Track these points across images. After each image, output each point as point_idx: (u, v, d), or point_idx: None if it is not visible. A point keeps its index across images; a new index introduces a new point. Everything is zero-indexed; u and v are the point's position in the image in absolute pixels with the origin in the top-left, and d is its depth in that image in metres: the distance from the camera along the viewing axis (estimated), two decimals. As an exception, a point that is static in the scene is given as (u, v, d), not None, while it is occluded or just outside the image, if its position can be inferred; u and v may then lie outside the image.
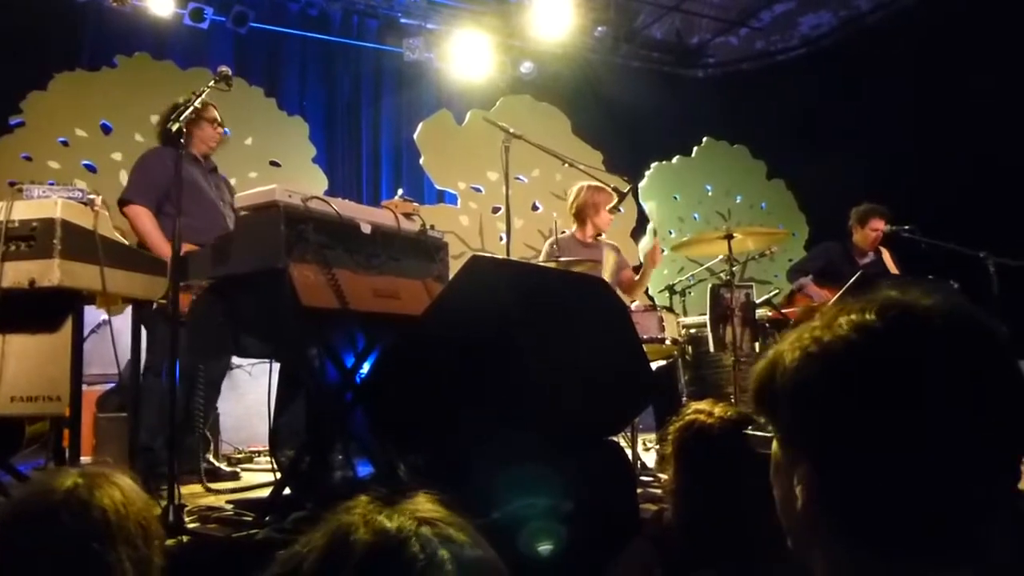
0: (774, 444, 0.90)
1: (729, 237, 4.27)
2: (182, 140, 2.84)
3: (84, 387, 3.03)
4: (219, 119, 4.14)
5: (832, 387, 0.79)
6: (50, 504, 1.20)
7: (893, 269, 5.58)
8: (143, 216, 3.74)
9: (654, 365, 4.26)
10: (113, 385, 4.66)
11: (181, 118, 2.82)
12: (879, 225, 5.51)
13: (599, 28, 8.08)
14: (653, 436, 4.73)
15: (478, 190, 7.15)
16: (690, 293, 5.35)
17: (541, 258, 4.74)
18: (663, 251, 5.15)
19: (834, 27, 8.56)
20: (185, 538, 2.43)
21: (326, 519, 0.75)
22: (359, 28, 7.50)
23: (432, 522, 0.73)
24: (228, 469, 4.14)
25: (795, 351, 0.83)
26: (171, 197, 3.74)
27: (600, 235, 4.84)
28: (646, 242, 7.58)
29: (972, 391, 0.75)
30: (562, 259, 4.20)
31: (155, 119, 5.66)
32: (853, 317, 0.80)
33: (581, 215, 4.72)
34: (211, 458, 4.05)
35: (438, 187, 7.15)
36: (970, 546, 0.76)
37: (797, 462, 0.84)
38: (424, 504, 0.75)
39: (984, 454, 0.75)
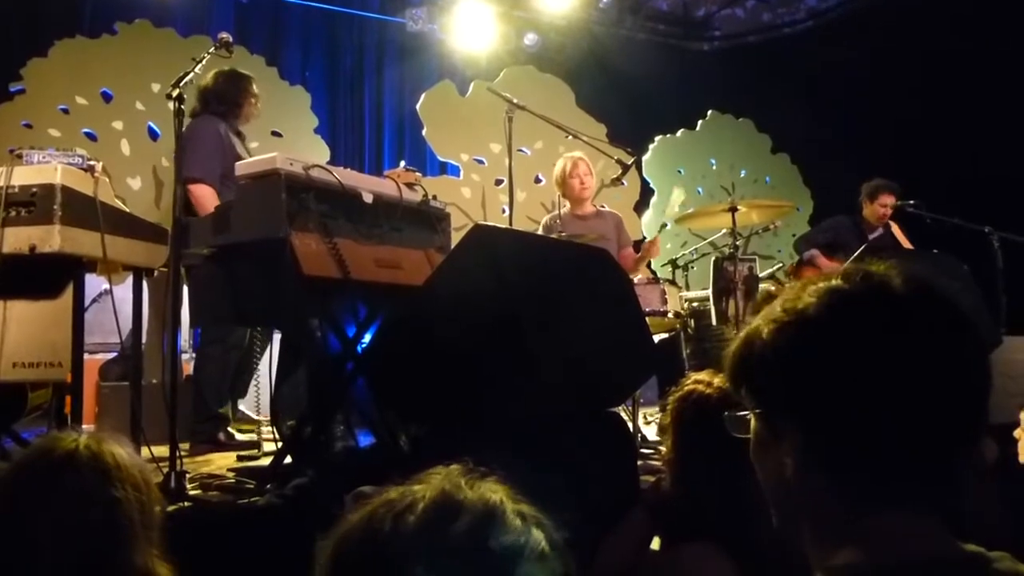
0: (752, 423, 0.92)
1: (733, 210, 4.25)
2: (182, 106, 2.82)
3: (86, 355, 3.03)
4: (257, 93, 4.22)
5: (807, 347, 0.83)
6: (68, 448, 1.34)
7: (905, 243, 5.57)
8: (208, 195, 3.72)
9: (656, 338, 4.25)
10: (115, 354, 4.67)
11: (182, 84, 2.80)
12: (888, 200, 5.50)
13: (604, -1, 7.99)
14: (654, 409, 4.74)
15: (481, 162, 7.11)
16: (693, 267, 5.33)
17: (540, 231, 4.72)
18: (666, 225, 5.14)
19: (841, 0, 8.45)
20: (187, 504, 2.45)
21: (421, 476, 0.81)
22: (362, -3, 7.43)
23: (524, 503, 0.80)
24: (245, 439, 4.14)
25: (769, 324, 0.86)
26: (229, 171, 3.80)
27: (602, 206, 4.82)
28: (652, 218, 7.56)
29: (931, 346, 0.81)
30: (564, 234, 4.19)
31: (156, 87, 5.70)
32: (820, 285, 0.86)
33: (565, 189, 4.68)
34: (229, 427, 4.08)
35: (440, 158, 7.11)
36: (940, 488, 0.82)
37: (782, 430, 0.87)
38: (507, 489, 0.81)
39: (947, 406, 0.80)
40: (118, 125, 5.74)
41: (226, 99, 4.04)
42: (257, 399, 4.64)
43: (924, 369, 0.80)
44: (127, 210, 3.06)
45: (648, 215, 7.67)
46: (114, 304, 2.97)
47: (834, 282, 0.85)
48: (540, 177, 7.26)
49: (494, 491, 0.78)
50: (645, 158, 7.74)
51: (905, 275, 0.85)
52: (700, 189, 8.11)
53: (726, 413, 0.96)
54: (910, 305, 0.83)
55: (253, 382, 4.37)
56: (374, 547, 0.75)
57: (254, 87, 4.17)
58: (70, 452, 1.33)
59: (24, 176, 2.65)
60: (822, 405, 0.82)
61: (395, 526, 0.75)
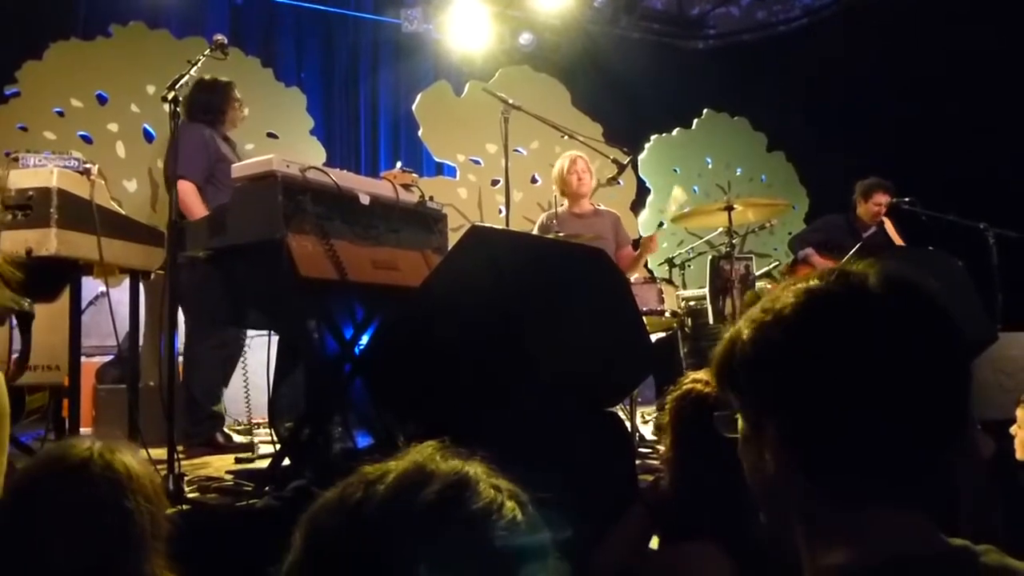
0: (739, 422, 0.93)
1: (729, 208, 4.26)
2: (177, 108, 2.82)
3: (83, 358, 3.03)
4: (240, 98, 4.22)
5: (784, 346, 0.84)
6: (82, 457, 1.34)
7: (897, 239, 5.57)
8: (190, 192, 3.74)
9: (653, 337, 4.26)
10: (112, 357, 4.67)
11: (177, 86, 2.80)
12: (882, 199, 5.50)
13: (599, -2, 7.99)
14: (652, 409, 4.74)
15: (477, 162, 7.11)
16: (689, 266, 5.34)
17: (536, 231, 4.72)
18: (662, 225, 5.14)
19: (836, -3, 8.48)
20: (186, 507, 2.45)
21: (398, 454, 0.83)
22: (356, -2, 7.43)
23: (498, 477, 0.81)
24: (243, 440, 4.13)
25: (749, 325, 0.88)
26: (216, 172, 3.79)
27: (599, 205, 4.82)
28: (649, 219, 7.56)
29: (908, 344, 0.81)
30: (561, 234, 4.19)
31: (151, 89, 5.69)
32: (799, 286, 0.87)
33: (563, 186, 4.69)
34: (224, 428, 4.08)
35: (436, 159, 7.10)
36: (926, 484, 0.82)
37: (763, 429, 0.88)
38: (486, 466, 0.83)
39: (926, 402, 0.80)
40: (113, 127, 5.73)
41: (211, 108, 4.06)
42: (248, 399, 4.63)
43: (900, 366, 0.80)
44: (123, 212, 3.06)
45: (644, 214, 7.68)
46: (111, 307, 2.97)
47: (811, 282, 0.87)
48: (536, 177, 7.26)
49: (469, 465, 0.80)
50: (641, 157, 7.74)
51: (882, 273, 0.85)
52: (696, 188, 8.12)
53: (715, 413, 0.98)
54: (885, 303, 0.83)
55: (242, 381, 4.37)
56: (345, 516, 0.76)
57: (236, 91, 4.18)
58: (84, 460, 1.33)
59: (20, 179, 2.64)
60: (798, 403, 0.83)
61: (365, 496, 0.76)
